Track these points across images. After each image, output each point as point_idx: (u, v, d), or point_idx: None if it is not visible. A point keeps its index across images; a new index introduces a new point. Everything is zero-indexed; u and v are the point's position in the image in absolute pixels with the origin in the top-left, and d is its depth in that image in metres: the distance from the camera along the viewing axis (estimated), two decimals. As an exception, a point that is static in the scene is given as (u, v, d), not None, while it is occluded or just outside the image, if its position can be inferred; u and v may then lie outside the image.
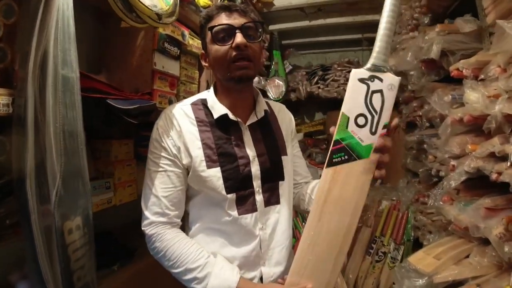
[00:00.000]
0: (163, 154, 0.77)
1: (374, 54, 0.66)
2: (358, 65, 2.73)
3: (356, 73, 0.66)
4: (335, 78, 2.62)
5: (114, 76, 1.16)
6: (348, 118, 0.65)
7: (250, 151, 0.79)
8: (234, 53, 0.73)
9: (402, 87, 2.10)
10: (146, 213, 0.78)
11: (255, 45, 0.76)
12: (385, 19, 0.66)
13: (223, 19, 0.75)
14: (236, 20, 0.75)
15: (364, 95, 0.65)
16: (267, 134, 0.84)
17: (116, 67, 1.16)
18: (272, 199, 0.81)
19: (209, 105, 0.81)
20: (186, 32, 1.25)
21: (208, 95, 0.83)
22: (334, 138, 0.65)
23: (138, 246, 1.29)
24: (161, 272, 1.31)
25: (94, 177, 1.05)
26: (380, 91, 0.64)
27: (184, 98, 1.34)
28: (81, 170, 0.73)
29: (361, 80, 0.65)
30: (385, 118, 0.64)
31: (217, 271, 0.73)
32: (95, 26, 1.17)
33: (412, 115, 1.97)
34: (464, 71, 1.13)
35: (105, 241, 1.20)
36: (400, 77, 0.66)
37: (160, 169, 0.77)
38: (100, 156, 1.08)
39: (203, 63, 0.85)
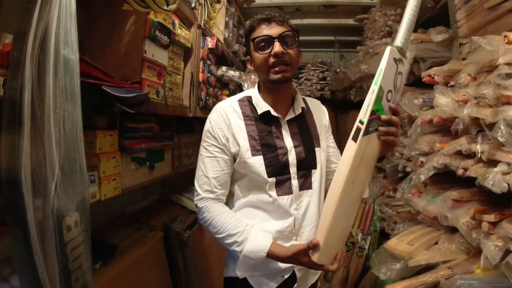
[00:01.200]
0: (214, 143, 0.90)
1: (401, 39, 0.71)
2: (331, 66, 2.86)
3: (392, 52, 0.70)
4: (308, 77, 2.72)
5: (98, 62, 1.06)
6: (383, 92, 0.70)
7: (288, 143, 0.91)
8: (273, 60, 0.85)
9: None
10: (199, 190, 0.91)
11: (292, 51, 0.87)
12: (411, 6, 0.73)
13: (263, 30, 0.86)
14: (274, 30, 0.85)
15: (394, 73, 0.71)
16: (303, 128, 0.96)
17: (100, 53, 1.08)
18: (305, 184, 0.93)
19: (253, 102, 0.93)
20: (176, 21, 1.21)
21: (253, 93, 0.95)
22: (371, 108, 0.70)
23: (119, 243, 1.24)
24: (146, 269, 1.28)
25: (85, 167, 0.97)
26: (401, 73, 0.73)
27: (170, 88, 1.31)
28: (80, 161, 0.68)
29: (395, 60, 0.71)
30: (398, 98, 0.75)
31: (253, 237, 0.85)
32: (77, 10, 1.08)
33: (380, 115, 2.11)
34: (436, 77, 1.25)
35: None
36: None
37: (211, 155, 0.90)
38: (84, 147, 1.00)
39: (249, 67, 0.97)
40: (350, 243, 2.12)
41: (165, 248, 1.47)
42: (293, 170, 0.90)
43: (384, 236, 2.02)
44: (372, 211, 2.12)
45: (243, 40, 0.95)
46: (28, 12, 0.60)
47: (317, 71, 2.68)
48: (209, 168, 0.89)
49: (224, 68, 1.89)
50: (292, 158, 0.90)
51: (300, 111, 0.95)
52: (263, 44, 0.85)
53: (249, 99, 0.94)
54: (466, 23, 1.18)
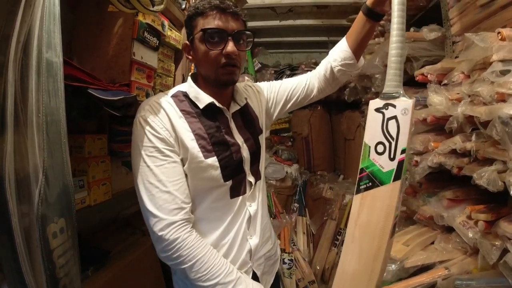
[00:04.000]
0: (161, 146, 0.72)
1: (386, 82, 0.69)
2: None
3: (372, 104, 0.69)
4: (302, 78, 2.71)
5: (86, 65, 1.05)
6: (369, 147, 0.68)
7: (238, 138, 0.83)
8: (223, 60, 0.75)
9: (365, 89, 2.24)
10: (160, 214, 0.70)
11: (243, 53, 0.79)
12: (394, 44, 0.70)
13: (216, 21, 0.73)
14: (229, 24, 0.74)
15: (380, 123, 0.67)
16: (247, 118, 0.88)
17: (88, 56, 1.06)
18: (257, 176, 0.87)
19: (192, 96, 0.80)
20: (166, 22, 1.19)
21: (188, 87, 0.82)
22: (360, 167, 0.69)
23: (110, 248, 1.21)
24: (139, 274, 1.25)
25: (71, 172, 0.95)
26: (395, 117, 0.67)
27: (161, 91, 1.29)
28: (65, 166, 0.66)
29: (377, 110, 0.68)
30: (402, 144, 0.66)
31: None
32: (63, 11, 1.05)
33: (374, 115, 2.11)
34: (429, 76, 1.25)
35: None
36: (413, 99, 0.69)
37: (163, 162, 0.72)
38: (72, 152, 0.98)
39: (186, 55, 0.83)
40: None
41: (159, 253, 1.44)
42: (247, 166, 0.83)
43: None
44: (368, 211, 2.11)
45: (185, 21, 0.81)
46: (12, 15, 0.59)
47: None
48: (166, 179, 0.71)
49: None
50: (245, 153, 0.82)
51: (244, 102, 0.86)
52: (214, 39, 0.73)
53: (184, 94, 0.81)
54: (458, 21, 1.17)
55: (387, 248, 0.67)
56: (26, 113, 0.58)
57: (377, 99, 0.70)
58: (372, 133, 0.68)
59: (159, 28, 1.14)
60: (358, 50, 0.97)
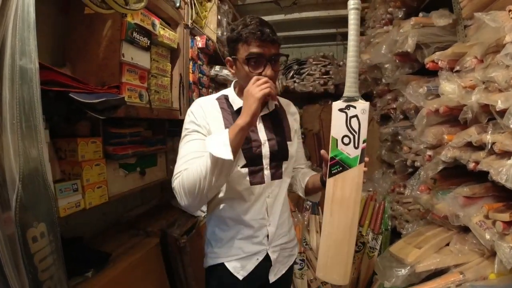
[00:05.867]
0: (197, 129, 0.91)
1: (346, 88, 0.84)
2: (333, 59, 2.75)
3: (336, 105, 0.84)
4: (311, 72, 2.63)
5: (78, 68, 1.05)
6: (337, 139, 0.84)
7: (262, 136, 0.96)
8: None
9: (376, 81, 2.14)
10: (177, 170, 0.87)
11: (277, 71, 0.91)
12: (350, 58, 0.83)
13: (257, 48, 0.85)
14: (267, 49, 0.86)
15: (344, 120, 0.83)
16: (277, 123, 1.01)
17: (80, 59, 1.06)
18: (276, 174, 0.98)
19: (230, 100, 0.97)
20: (157, 21, 1.16)
21: (229, 92, 0.99)
22: (329, 155, 0.85)
23: (112, 251, 1.21)
24: (140, 276, 1.25)
25: (60, 179, 0.95)
26: (356, 116, 0.83)
27: (156, 92, 1.27)
28: (43, 172, 0.65)
29: (340, 110, 0.83)
30: (363, 136, 0.83)
31: (210, 140, 0.82)
32: (58, 16, 1.06)
33: (386, 108, 2.01)
34: (439, 62, 1.15)
35: (75, 247, 1.11)
36: (369, 102, 0.85)
37: (194, 138, 0.90)
38: (66, 156, 0.98)
39: (230, 70, 0.97)
40: (361, 243, 2.02)
41: (163, 254, 1.43)
42: (266, 161, 0.95)
43: (396, 235, 1.92)
44: (383, 209, 2.01)
45: (228, 41, 0.94)
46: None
47: (319, 66, 2.59)
48: (192, 150, 0.88)
49: (217, 67, 1.83)
50: (265, 150, 0.95)
51: (273, 107, 1.00)
52: (254, 62, 0.87)
53: (225, 97, 0.99)
54: (469, 3, 1.07)
55: (357, 215, 0.87)
56: (1, 119, 0.58)
57: (339, 101, 0.84)
58: (338, 128, 0.83)
59: (149, 27, 1.11)
60: (309, 195, 1.11)
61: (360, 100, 0.83)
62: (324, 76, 2.64)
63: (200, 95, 1.60)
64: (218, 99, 0.99)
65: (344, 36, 2.84)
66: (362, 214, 2.11)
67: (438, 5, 1.32)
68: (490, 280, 0.85)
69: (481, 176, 1.00)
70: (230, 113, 0.96)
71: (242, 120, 0.80)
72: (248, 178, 0.94)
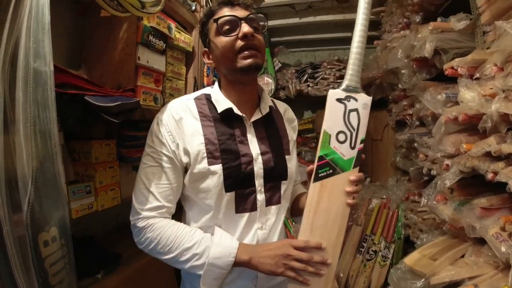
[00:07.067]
0: (160, 149, 0.74)
1: (348, 76, 0.71)
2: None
3: (333, 94, 0.71)
4: (325, 76, 2.60)
5: (94, 71, 1.07)
6: (330, 135, 0.70)
7: (254, 149, 0.78)
8: (241, 43, 0.73)
9: (392, 86, 2.10)
10: (138, 207, 0.75)
11: (260, 37, 0.76)
12: (356, 43, 0.71)
13: (227, 12, 0.75)
14: (240, 12, 0.75)
15: (342, 113, 0.70)
16: (272, 132, 0.83)
17: (96, 62, 1.08)
18: (273, 198, 0.79)
19: (213, 99, 0.79)
20: (173, 25, 1.18)
21: (212, 90, 0.82)
22: (318, 154, 0.70)
23: (124, 252, 1.22)
24: (150, 278, 1.26)
25: (73, 181, 0.97)
26: (356, 109, 0.70)
27: (171, 95, 1.28)
28: (56, 176, 0.66)
29: (339, 100, 0.70)
30: (361, 134, 0.71)
31: (217, 241, 0.72)
32: (75, 19, 1.08)
33: (402, 114, 1.96)
34: (459, 69, 1.11)
35: (86, 248, 1.13)
36: (371, 97, 0.73)
37: (156, 164, 0.74)
38: (79, 158, 1.00)
39: (206, 61, 0.83)
40: (373, 252, 1.98)
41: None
42: (259, 182, 0.77)
43: (409, 244, 1.87)
44: (396, 217, 1.96)
45: (200, 28, 0.82)
46: (1, 25, 0.59)
47: (334, 70, 2.56)
48: (153, 180, 0.74)
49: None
50: (258, 167, 0.76)
51: (267, 110, 0.82)
52: (228, 26, 0.73)
53: (207, 97, 0.80)
54: (488, 9, 1.03)
55: (342, 235, 0.72)
56: (15, 122, 0.59)
57: (338, 90, 0.71)
58: (332, 122, 0.70)
59: (165, 31, 1.13)
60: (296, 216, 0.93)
61: (362, 93, 0.71)
62: (339, 81, 2.61)
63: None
64: (197, 99, 0.80)
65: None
66: (375, 222, 2.07)
67: (456, 11, 1.28)
68: (505, 295, 0.81)
69: (498, 187, 0.96)
70: (212, 120, 0.76)
71: (249, 260, 0.69)
72: (233, 205, 0.75)
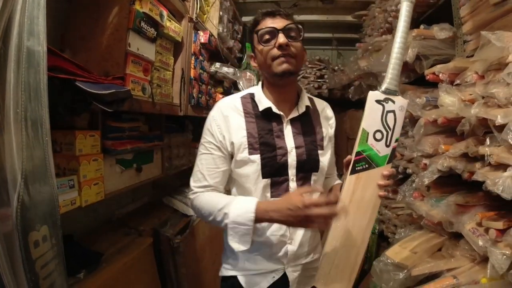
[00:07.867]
0: (211, 140, 0.89)
1: (387, 79, 0.77)
2: (328, 63, 2.78)
3: (373, 95, 0.77)
4: (306, 75, 2.64)
5: (79, 56, 0.99)
6: (368, 133, 0.76)
7: (289, 143, 0.89)
8: (277, 52, 0.83)
9: (371, 88, 2.19)
10: (192, 184, 0.91)
11: (297, 44, 0.86)
12: (396, 49, 0.77)
13: (268, 23, 0.85)
14: (279, 23, 0.84)
15: (380, 114, 0.76)
16: (307, 128, 0.93)
17: (81, 47, 1.00)
18: (304, 187, 0.89)
19: (256, 99, 0.92)
20: (165, 12, 1.12)
21: (256, 90, 0.94)
22: (356, 150, 0.76)
23: (105, 250, 1.16)
24: (134, 278, 1.20)
25: (55, 174, 0.89)
26: (393, 111, 0.77)
27: (158, 85, 1.23)
28: (47, 168, 0.60)
29: (378, 101, 0.77)
30: (396, 134, 0.77)
31: (236, 203, 0.81)
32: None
33: (379, 115, 2.05)
34: (440, 75, 1.19)
35: (66, 246, 1.05)
36: (408, 100, 0.79)
37: (208, 152, 0.90)
38: (61, 150, 0.92)
39: (253, 64, 0.95)
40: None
41: (155, 254, 1.39)
42: (291, 172, 0.88)
43: (383, 238, 1.97)
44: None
45: (243, 36, 0.95)
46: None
47: (315, 69, 2.61)
48: (205, 165, 0.89)
49: (217, 64, 1.80)
50: (292, 159, 0.88)
51: (304, 109, 0.92)
52: (267, 36, 0.84)
53: (251, 96, 0.93)
54: (470, 20, 1.11)
55: (373, 222, 0.79)
56: (4, 107, 0.52)
57: (377, 92, 0.77)
58: (371, 121, 0.76)
59: (157, 18, 1.07)
60: None
61: (399, 96, 0.78)
62: (319, 80, 2.67)
63: (199, 91, 1.56)
64: (243, 98, 0.93)
65: (340, 42, 2.89)
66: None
67: (437, 19, 1.36)
68: (482, 285, 0.89)
69: (473, 186, 1.04)
70: (254, 117, 0.89)
71: (274, 215, 0.76)
72: (269, 190, 0.87)
